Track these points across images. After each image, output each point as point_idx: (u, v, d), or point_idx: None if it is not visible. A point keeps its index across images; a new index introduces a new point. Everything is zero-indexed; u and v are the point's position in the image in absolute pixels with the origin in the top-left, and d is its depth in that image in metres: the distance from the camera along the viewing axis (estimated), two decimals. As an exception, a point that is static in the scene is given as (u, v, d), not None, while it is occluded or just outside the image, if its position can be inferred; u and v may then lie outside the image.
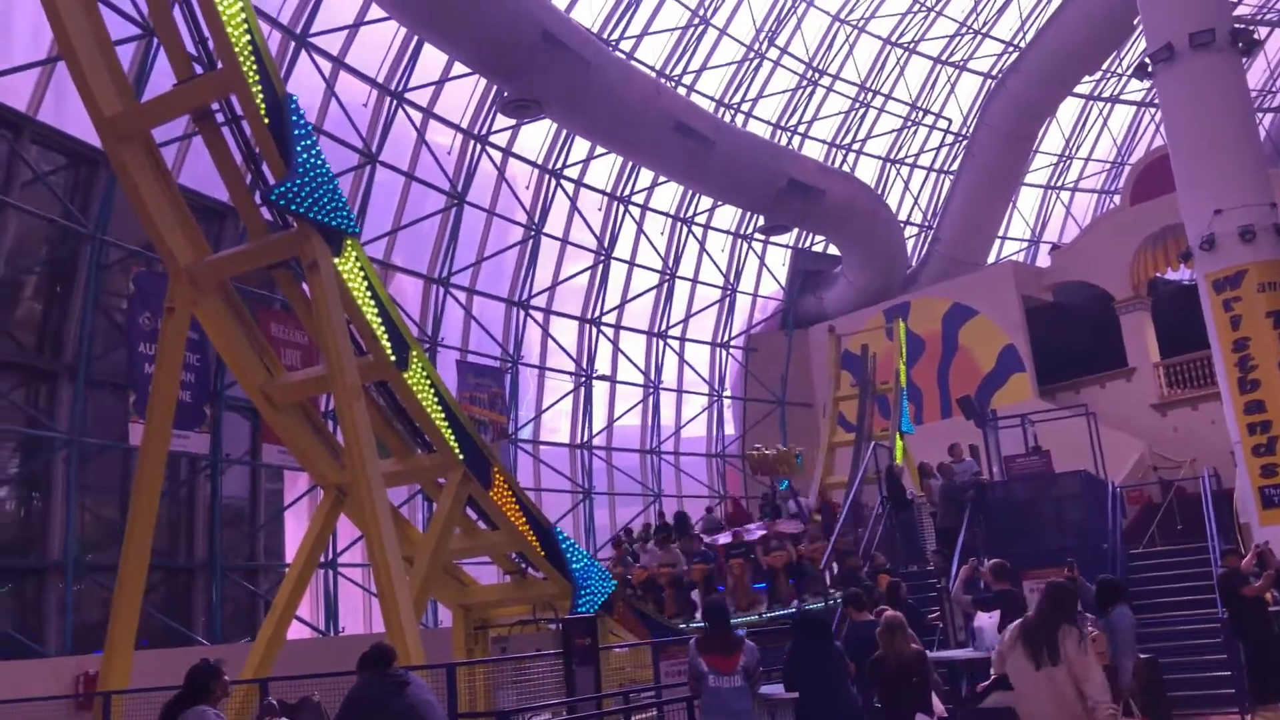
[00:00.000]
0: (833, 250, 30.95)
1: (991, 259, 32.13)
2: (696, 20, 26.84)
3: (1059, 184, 36.76)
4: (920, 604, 11.25)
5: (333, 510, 10.14)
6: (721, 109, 28.10)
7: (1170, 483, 19.34)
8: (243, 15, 8.70)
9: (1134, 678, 8.33)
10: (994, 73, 32.86)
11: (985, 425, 17.23)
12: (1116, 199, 31.79)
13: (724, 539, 15.17)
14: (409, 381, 9.66)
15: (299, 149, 8.69)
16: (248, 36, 8.68)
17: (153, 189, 8.96)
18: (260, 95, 8.64)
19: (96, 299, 15.60)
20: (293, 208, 8.55)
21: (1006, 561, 9.69)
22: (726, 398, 30.20)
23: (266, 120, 8.65)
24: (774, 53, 29.16)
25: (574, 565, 11.19)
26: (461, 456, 10.05)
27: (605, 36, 24.47)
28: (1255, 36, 17.72)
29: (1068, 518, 13.98)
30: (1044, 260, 32.13)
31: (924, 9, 31.24)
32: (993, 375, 26.13)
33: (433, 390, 9.95)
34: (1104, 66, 31.81)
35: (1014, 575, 9.69)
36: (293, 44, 18.85)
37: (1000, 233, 33.41)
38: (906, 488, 15.85)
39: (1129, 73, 31.57)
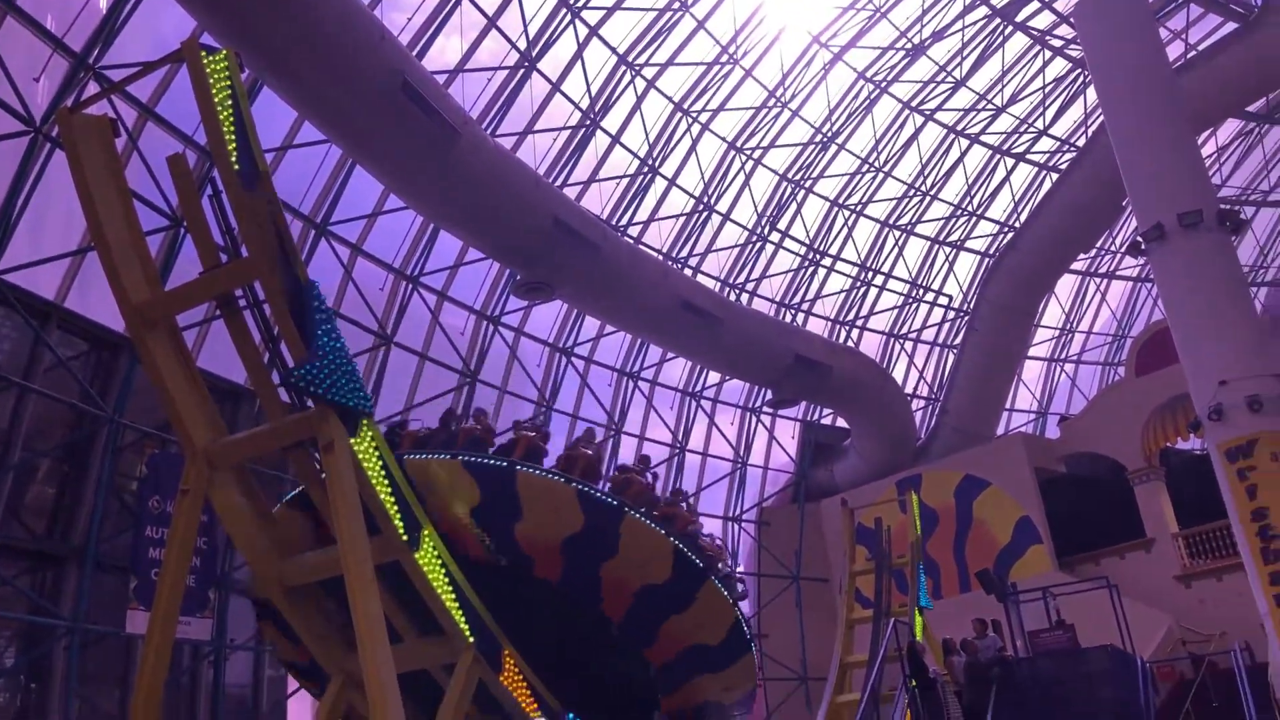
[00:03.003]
0: (841, 423, 31.09)
1: (1000, 430, 32.18)
2: (701, 206, 27.94)
3: (1062, 356, 37.23)
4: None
5: (339, 696, 9.83)
6: (727, 288, 28.85)
7: (1201, 657, 18.68)
8: (269, 207, 9.10)
9: None
10: (991, 251, 33.87)
11: (1006, 599, 16.85)
12: (1121, 371, 32.11)
13: None
14: (420, 561, 9.55)
15: (319, 332, 8.91)
16: (273, 226, 9.05)
17: (174, 372, 9.12)
18: (283, 282, 8.93)
19: (110, 481, 15.64)
20: (312, 389, 8.69)
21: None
22: (739, 573, 29.64)
23: (288, 305, 8.91)
24: (775, 235, 30.19)
25: (586, 752, 10.73)
26: (471, 639, 9.82)
27: (614, 222, 25.43)
28: (1241, 216, 18.35)
29: (1098, 695, 13.49)
30: (1053, 431, 32.17)
31: (919, 193, 32.50)
32: (1010, 547, 25.70)
33: (444, 570, 9.83)
34: (1098, 244, 32.80)
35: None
36: (313, 232, 19.63)
37: (1007, 405, 33.60)
38: (929, 666, 15.34)
39: (1123, 250, 32.52)
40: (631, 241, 25.35)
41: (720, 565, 12.35)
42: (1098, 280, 37.04)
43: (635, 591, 10.80)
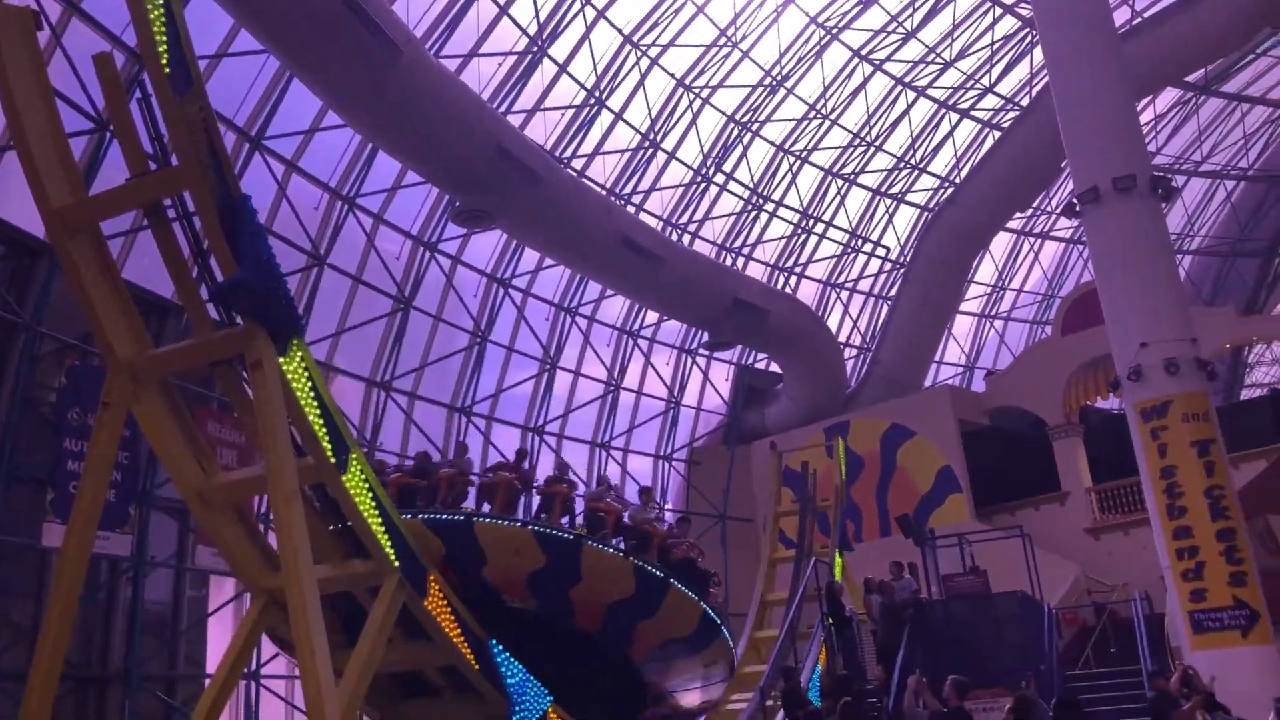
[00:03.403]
0: (775, 368, 31.43)
1: (928, 382, 32.83)
2: (646, 143, 27.69)
3: (992, 313, 37.97)
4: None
5: (261, 616, 9.78)
6: (669, 228, 28.76)
7: (1104, 606, 19.53)
8: (201, 115, 8.79)
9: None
10: (930, 206, 34.21)
11: (924, 544, 17.34)
12: (1048, 329, 32.88)
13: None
14: (348, 485, 9.49)
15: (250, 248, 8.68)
16: (205, 135, 8.75)
17: (97, 282, 8.84)
18: (214, 193, 8.67)
19: (27, 392, 15.20)
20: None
21: (966, 679, 9.66)
22: (668, 510, 30.02)
23: (219, 218, 8.66)
24: (720, 177, 30.10)
25: (509, 680, 10.89)
26: (397, 563, 9.82)
27: (558, 154, 25.09)
28: (1173, 184, 18.78)
29: (1006, 638, 14.02)
30: (979, 385, 32.92)
31: (864, 143, 32.60)
32: (930, 495, 26.41)
33: (371, 495, 9.78)
34: (1034, 204, 33.34)
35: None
36: (247, 145, 19.04)
37: (936, 357, 34.26)
38: (846, 605, 15.78)
39: (1058, 211, 33.10)
40: (575, 175, 25.07)
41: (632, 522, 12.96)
42: (1032, 239, 37.71)
43: (606, 606, 11.78)
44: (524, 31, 23.52)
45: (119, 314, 8.95)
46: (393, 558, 9.82)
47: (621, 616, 11.90)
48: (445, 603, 10.44)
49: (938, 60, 31.93)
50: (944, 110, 33.56)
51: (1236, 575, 14.13)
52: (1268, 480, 19.99)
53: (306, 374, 9.22)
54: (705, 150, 29.26)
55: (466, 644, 10.58)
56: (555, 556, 11.49)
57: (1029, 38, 31.18)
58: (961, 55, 32.10)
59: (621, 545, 12.24)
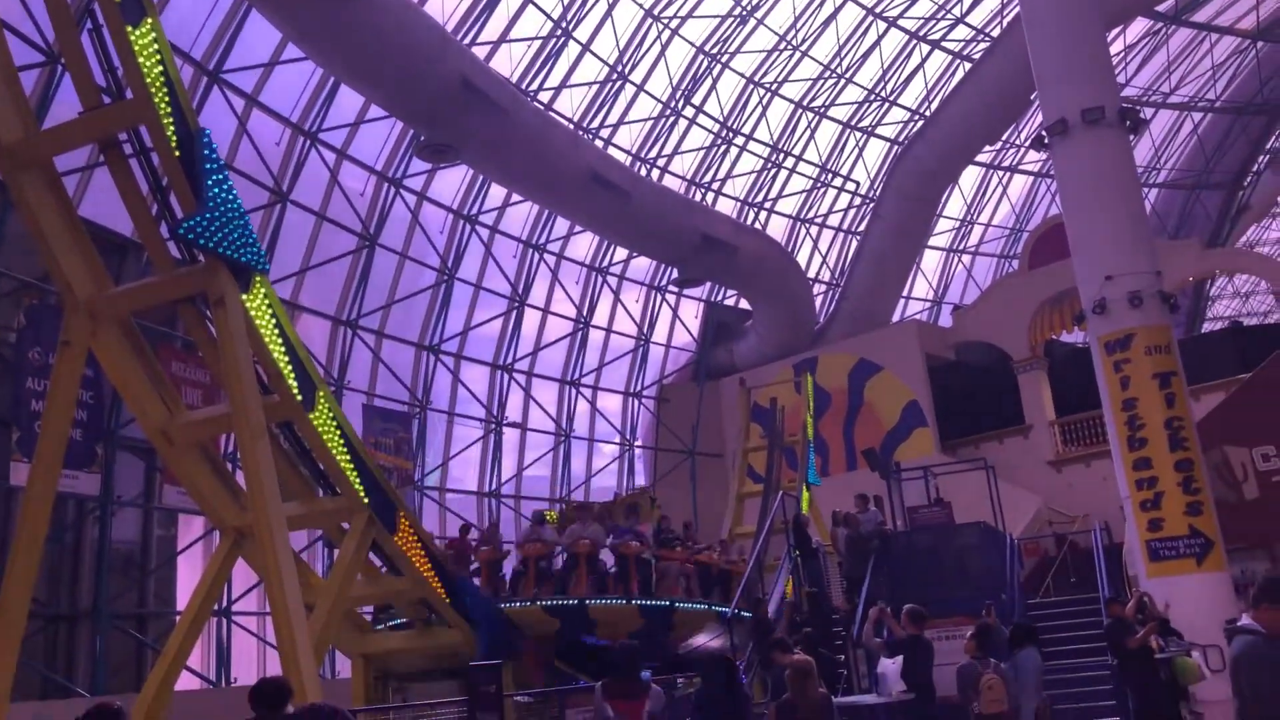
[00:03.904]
0: (744, 304, 31.47)
1: (896, 318, 33.03)
2: (615, 75, 27.28)
3: (960, 248, 38.11)
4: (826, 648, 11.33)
5: (230, 554, 9.79)
6: (637, 163, 28.48)
7: (1064, 536, 19.95)
8: (155, 46, 8.54)
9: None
10: (900, 139, 34.07)
11: (889, 477, 17.59)
12: (1015, 264, 33.07)
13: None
14: (314, 422, 9.46)
15: (210, 183, 8.53)
16: (160, 67, 8.52)
17: (52, 219, 8.67)
18: (171, 127, 8.48)
19: (-16, 332, 14.96)
20: (201, 242, 8.37)
21: (923, 607, 9.84)
22: (638, 447, 30.26)
23: (177, 153, 8.48)
24: (689, 111, 29.77)
25: (478, 612, 11.02)
26: (366, 500, 9.85)
27: (524, 87, 24.68)
28: (1141, 116, 18.75)
29: (969, 568, 14.29)
30: (946, 320, 33.16)
31: (834, 75, 32.30)
32: (896, 429, 26.74)
33: (339, 432, 9.76)
34: (1003, 137, 33.28)
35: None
36: (205, 79, 18.57)
37: (905, 292, 34.42)
38: (812, 537, 16.03)
39: (1027, 144, 33.07)
40: (541, 108, 24.69)
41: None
42: (1000, 173, 37.74)
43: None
44: (488, -40, 22.95)
45: (76, 252, 8.80)
46: (362, 494, 9.85)
47: (569, 635, 12.75)
48: (416, 539, 10.51)
49: (909, -10, 31.55)
50: (915, 41, 33.25)
51: (1193, 505, 14.40)
52: (1226, 412, 20.33)
53: (270, 311, 9.14)
54: (674, 83, 28.89)
55: (436, 578, 10.68)
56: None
57: (1001, -32, 30.86)
58: (933, -15, 31.74)
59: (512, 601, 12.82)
